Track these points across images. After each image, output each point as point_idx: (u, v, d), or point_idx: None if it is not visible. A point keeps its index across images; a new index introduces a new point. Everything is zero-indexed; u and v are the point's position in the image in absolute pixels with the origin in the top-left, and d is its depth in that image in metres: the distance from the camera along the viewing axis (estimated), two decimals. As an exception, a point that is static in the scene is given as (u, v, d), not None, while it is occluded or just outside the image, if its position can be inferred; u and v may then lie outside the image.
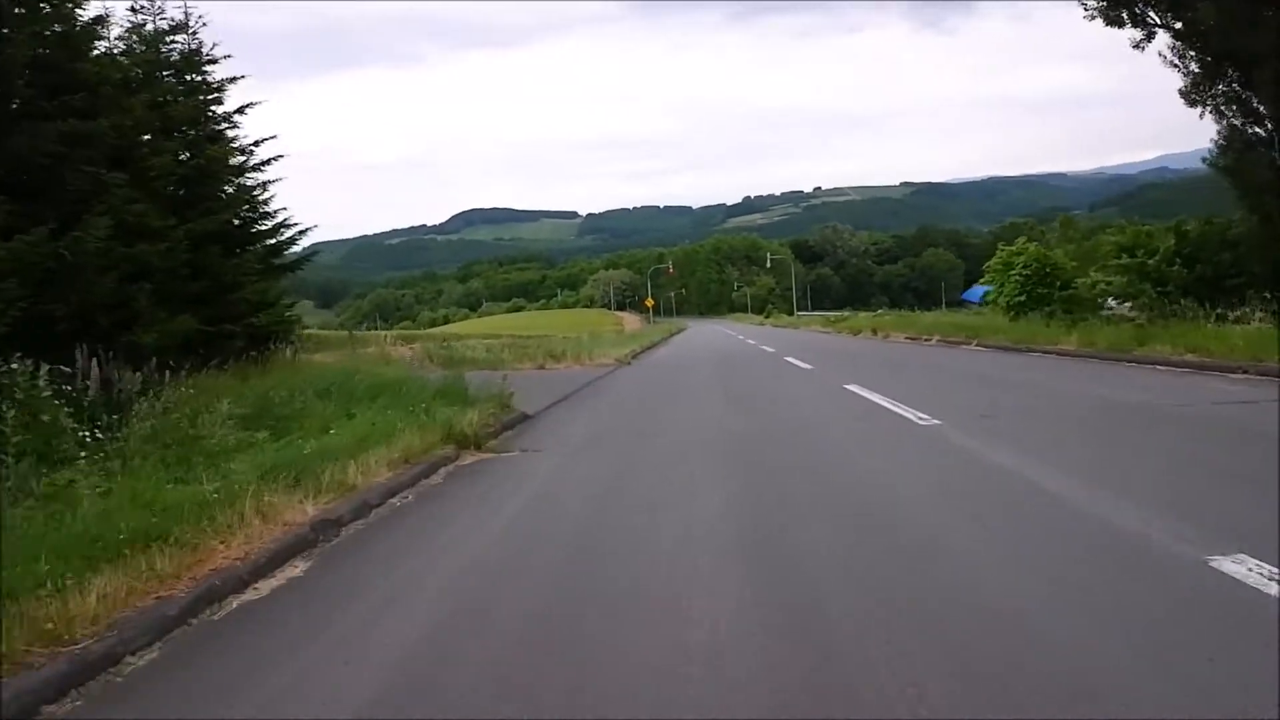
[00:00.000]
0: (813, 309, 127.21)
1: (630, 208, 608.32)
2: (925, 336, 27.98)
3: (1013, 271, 24.75)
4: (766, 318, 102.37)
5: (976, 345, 23.37)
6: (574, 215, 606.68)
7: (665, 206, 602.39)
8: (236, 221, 15.62)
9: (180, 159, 13.82)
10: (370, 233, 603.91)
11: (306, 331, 23.52)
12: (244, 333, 14.12)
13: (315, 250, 26.54)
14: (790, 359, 22.48)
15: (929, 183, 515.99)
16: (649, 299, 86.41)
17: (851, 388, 14.34)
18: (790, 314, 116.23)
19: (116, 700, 3.63)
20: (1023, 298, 24.06)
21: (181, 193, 13.89)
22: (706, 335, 52.64)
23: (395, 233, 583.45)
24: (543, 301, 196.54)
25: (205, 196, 14.40)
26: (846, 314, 50.91)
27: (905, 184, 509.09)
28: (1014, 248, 25.87)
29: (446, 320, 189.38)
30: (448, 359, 20.49)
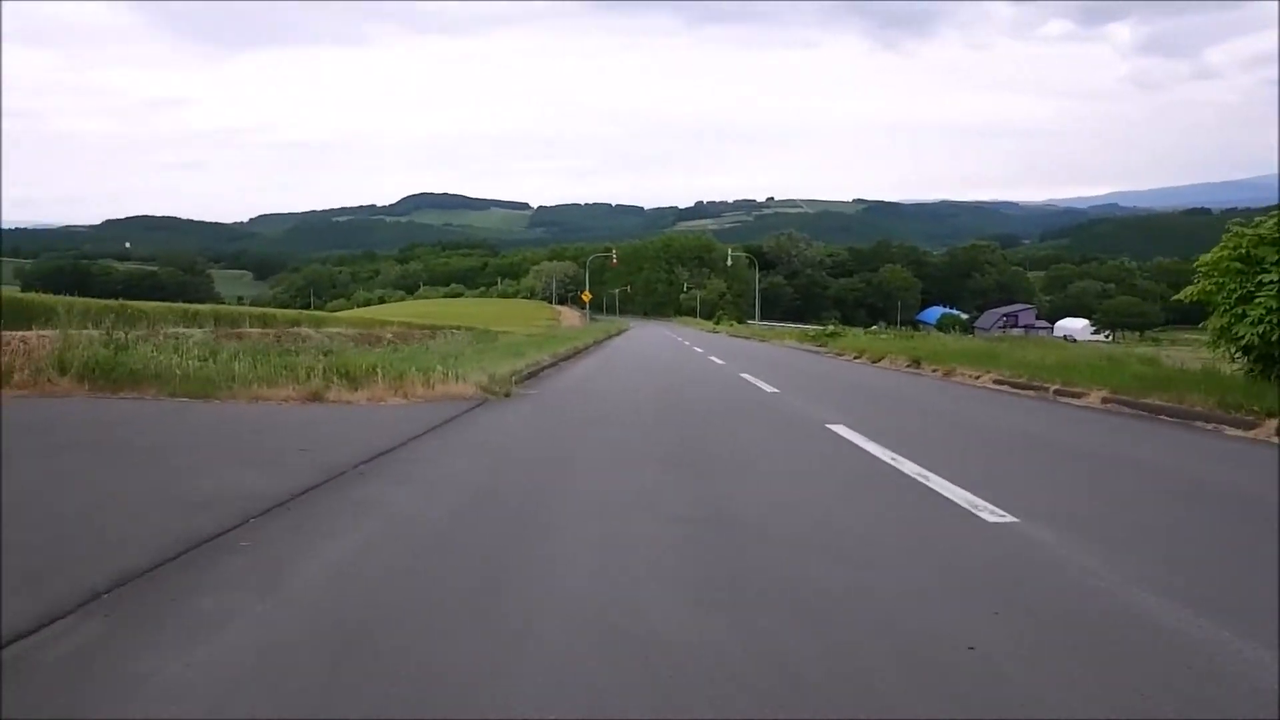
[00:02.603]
0: (762, 318, 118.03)
1: (582, 204, 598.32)
2: (1049, 386, 13.69)
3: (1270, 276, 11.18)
4: (717, 324, 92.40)
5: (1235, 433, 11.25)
6: (525, 207, 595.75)
7: (617, 205, 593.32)
8: None
9: None
10: (318, 209, 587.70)
11: None
12: None
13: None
14: (840, 430, 10.87)
15: (881, 201, 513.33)
16: (586, 293, 75.81)
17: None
18: (740, 321, 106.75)
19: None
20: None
21: None
22: (650, 342, 42.13)
23: (344, 210, 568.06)
24: (482, 289, 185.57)
25: None
26: (833, 327, 40.39)
27: (858, 200, 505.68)
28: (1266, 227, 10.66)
29: (381, 300, 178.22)
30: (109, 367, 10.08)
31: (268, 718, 2.41)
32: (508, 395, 12.40)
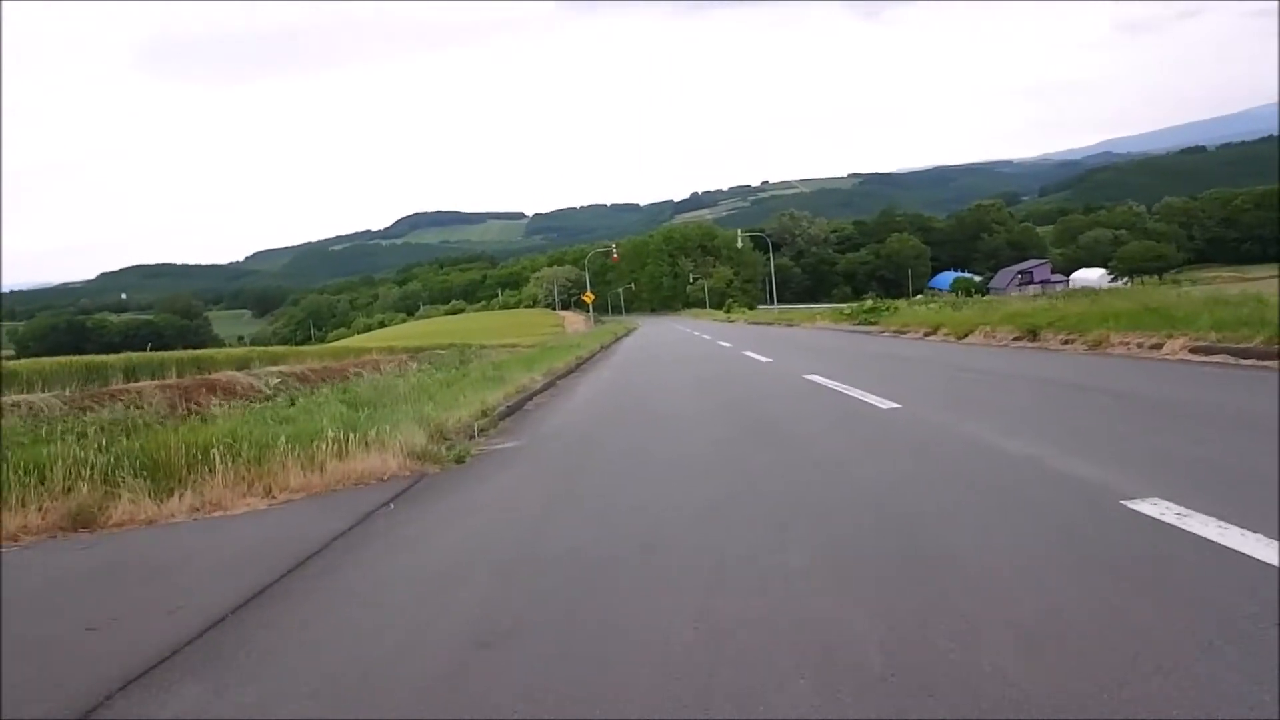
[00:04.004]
0: (772, 301, 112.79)
1: (578, 207, 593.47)
2: None
3: None
4: (729, 313, 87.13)
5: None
6: (521, 216, 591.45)
7: (613, 204, 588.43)
8: None
9: None
10: (315, 239, 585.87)
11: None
12: None
13: None
14: (1171, 514, 6.46)
15: (877, 173, 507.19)
16: (588, 294, 70.24)
17: None
18: (752, 308, 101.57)
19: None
20: None
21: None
22: (668, 341, 36.79)
23: (340, 239, 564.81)
24: (483, 302, 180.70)
25: None
26: (872, 301, 34.84)
27: (853, 175, 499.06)
28: None
29: (382, 324, 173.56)
30: None
31: None
32: (461, 461, 7.39)
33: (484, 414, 10.36)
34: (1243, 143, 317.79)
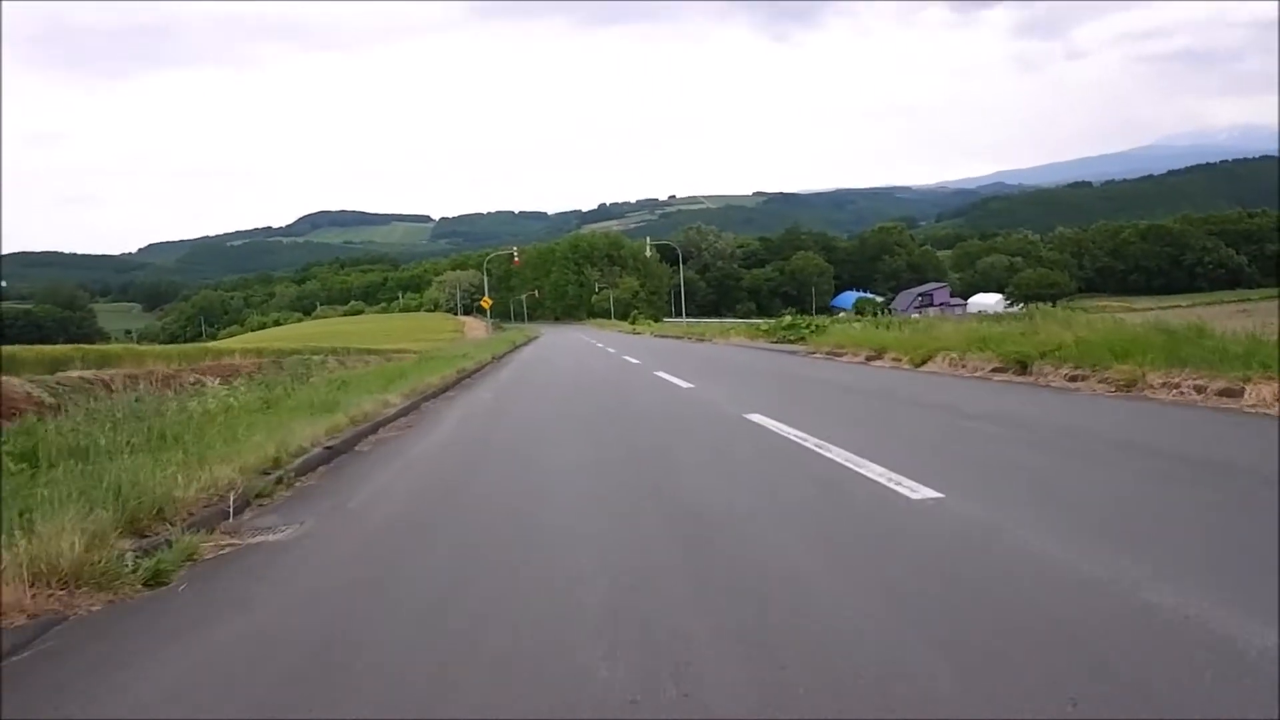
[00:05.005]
0: (678, 315, 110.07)
1: (484, 212, 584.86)
2: None
3: None
4: (635, 324, 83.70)
5: None
6: (427, 219, 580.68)
7: (520, 211, 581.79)
8: None
9: None
10: (211, 234, 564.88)
11: None
12: None
13: None
14: None
15: (781, 192, 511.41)
16: (486, 299, 65.87)
17: None
18: (657, 320, 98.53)
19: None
20: None
21: None
22: (569, 352, 33.03)
23: (238, 234, 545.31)
24: (383, 305, 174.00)
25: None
26: (791, 318, 31.44)
27: (758, 193, 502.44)
28: None
29: (277, 323, 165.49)
30: None
31: None
32: (163, 579, 3.77)
33: (275, 463, 6.64)
34: (1124, 180, 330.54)
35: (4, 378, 15.43)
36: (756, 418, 9.05)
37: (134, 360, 24.04)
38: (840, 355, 19.00)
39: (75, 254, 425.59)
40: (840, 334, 21.21)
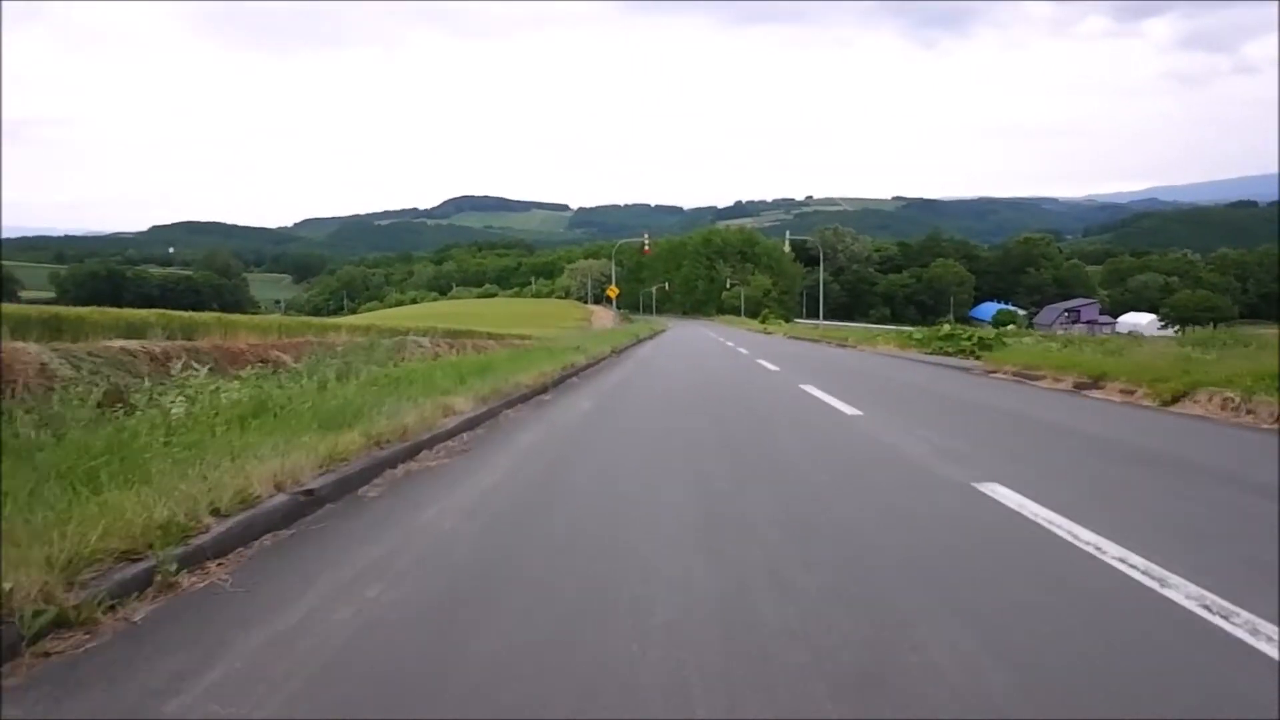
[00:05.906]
0: (810, 316, 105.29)
1: (621, 204, 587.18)
2: None
3: None
4: (765, 323, 79.63)
5: None
6: (565, 208, 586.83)
7: (656, 205, 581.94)
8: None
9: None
10: (362, 212, 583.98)
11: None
12: None
13: None
14: None
15: (921, 198, 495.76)
16: (613, 288, 62.63)
17: None
18: (787, 320, 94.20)
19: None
20: None
21: None
22: (696, 358, 29.57)
23: (386, 214, 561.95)
24: (516, 289, 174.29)
25: None
26: (949, 327, 27.06)
27: (897, 198, 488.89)
28: None
29: (414, 301, 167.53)
30: None
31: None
32: None
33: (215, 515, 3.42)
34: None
35: (23, 344, 12.88)
36: (1000, 492, 5.37)
37: (223, 331, 21.80)
38: (1033, 379, 14.97)
39: (236, 225, 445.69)
40: (1028, 353, 17.10)
